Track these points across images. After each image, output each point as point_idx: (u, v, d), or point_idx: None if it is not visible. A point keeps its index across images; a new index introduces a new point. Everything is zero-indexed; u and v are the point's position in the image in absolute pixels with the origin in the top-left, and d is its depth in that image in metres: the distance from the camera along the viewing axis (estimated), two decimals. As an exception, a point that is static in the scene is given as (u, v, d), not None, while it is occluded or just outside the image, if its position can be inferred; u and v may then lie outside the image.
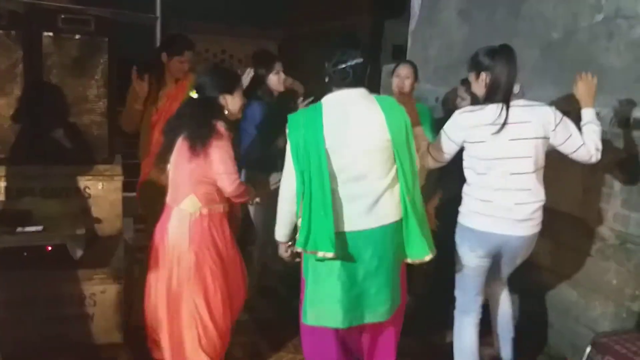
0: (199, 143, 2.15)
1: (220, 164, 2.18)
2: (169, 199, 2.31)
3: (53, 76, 2.86)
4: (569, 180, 2.79)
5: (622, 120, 2.62)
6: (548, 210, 2.43)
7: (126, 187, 3.10)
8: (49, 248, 2.63)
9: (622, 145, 2.62)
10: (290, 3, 8.09)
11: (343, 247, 2.00)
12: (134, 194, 3.14)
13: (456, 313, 2.42)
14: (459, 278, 2.38)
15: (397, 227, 2.06)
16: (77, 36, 2.86)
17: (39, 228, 2.67)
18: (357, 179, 1.99)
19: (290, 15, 8.43)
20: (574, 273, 2.85)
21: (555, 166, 2.45)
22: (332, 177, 1.98)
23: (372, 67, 2.18)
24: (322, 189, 1.95)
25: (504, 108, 2.12)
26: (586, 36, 2.89)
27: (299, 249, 2.03)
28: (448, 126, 2.28)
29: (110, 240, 2.98)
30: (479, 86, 2.24)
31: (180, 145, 2.23)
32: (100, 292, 2.65)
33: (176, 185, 2.27)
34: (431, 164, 2.40)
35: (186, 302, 2.25)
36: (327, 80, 2.06)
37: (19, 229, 2.63)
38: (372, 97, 2.04)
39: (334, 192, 1.99)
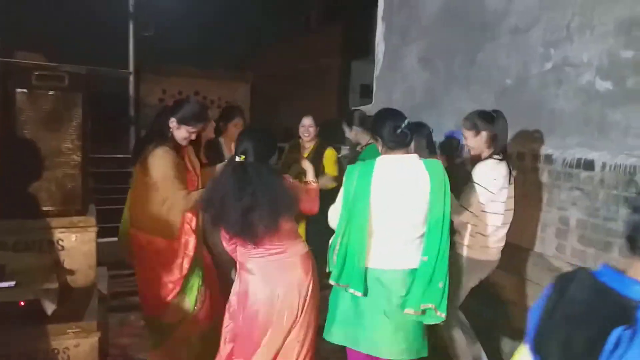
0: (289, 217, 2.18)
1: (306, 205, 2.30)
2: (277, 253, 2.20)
3: (27, 131, 2.90)
4: (528, 217, 2.93)
5: (572, 161, 2.81)
6: (511, 246, 2.57)
7: (100, 233, 3.11)
8: (22, 303, 2.62)
9: (574, 184, 2.79)
10: (263, 46, 8.31)
11: (368, 281, 2.17)
12: (107, 239, 3.13)
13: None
14: (455, 299, 2.60)
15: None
16: (51, 92, 2.93)
17: (12, 284, 2.66)
18: (392, 228, 2.16)
19: (262, 57, 8.65)
20: (538, 307, 2.96)
21: (516, 204, 2.60)
22: (372, 222, 2.16)
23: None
24: (361, 235, 2.14)
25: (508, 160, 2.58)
26: (537, 83, 3.09)
27: (332, 282, 2.20)
28: (482, 179, 2.50)
29: (84, 292, 2.97)
30: (478, 141, 2.61)
31: None
32: (74, 346, 2.63)
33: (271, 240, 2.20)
34: (467, 218, 2.54)
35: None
36: (383, 142, 2.22)
37: (-9, 285, 2.63)
38: (421, 162, 2.19)
39: (371, 234, 2.16)
